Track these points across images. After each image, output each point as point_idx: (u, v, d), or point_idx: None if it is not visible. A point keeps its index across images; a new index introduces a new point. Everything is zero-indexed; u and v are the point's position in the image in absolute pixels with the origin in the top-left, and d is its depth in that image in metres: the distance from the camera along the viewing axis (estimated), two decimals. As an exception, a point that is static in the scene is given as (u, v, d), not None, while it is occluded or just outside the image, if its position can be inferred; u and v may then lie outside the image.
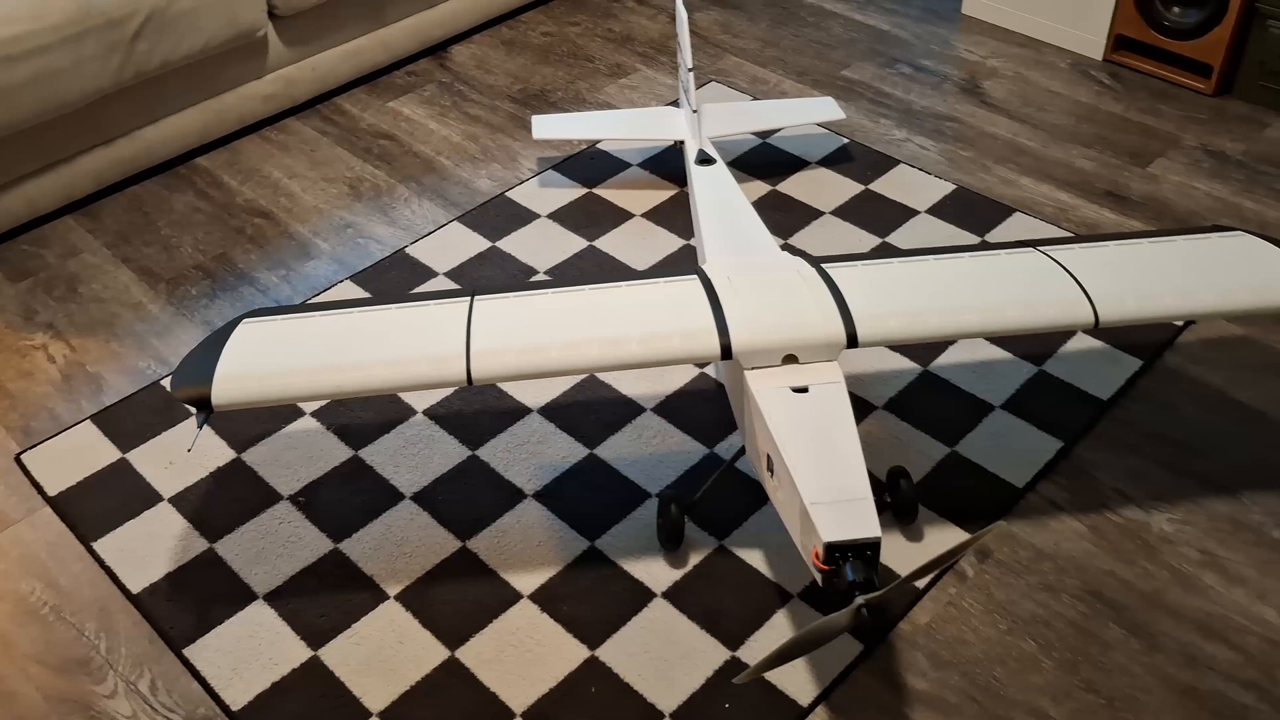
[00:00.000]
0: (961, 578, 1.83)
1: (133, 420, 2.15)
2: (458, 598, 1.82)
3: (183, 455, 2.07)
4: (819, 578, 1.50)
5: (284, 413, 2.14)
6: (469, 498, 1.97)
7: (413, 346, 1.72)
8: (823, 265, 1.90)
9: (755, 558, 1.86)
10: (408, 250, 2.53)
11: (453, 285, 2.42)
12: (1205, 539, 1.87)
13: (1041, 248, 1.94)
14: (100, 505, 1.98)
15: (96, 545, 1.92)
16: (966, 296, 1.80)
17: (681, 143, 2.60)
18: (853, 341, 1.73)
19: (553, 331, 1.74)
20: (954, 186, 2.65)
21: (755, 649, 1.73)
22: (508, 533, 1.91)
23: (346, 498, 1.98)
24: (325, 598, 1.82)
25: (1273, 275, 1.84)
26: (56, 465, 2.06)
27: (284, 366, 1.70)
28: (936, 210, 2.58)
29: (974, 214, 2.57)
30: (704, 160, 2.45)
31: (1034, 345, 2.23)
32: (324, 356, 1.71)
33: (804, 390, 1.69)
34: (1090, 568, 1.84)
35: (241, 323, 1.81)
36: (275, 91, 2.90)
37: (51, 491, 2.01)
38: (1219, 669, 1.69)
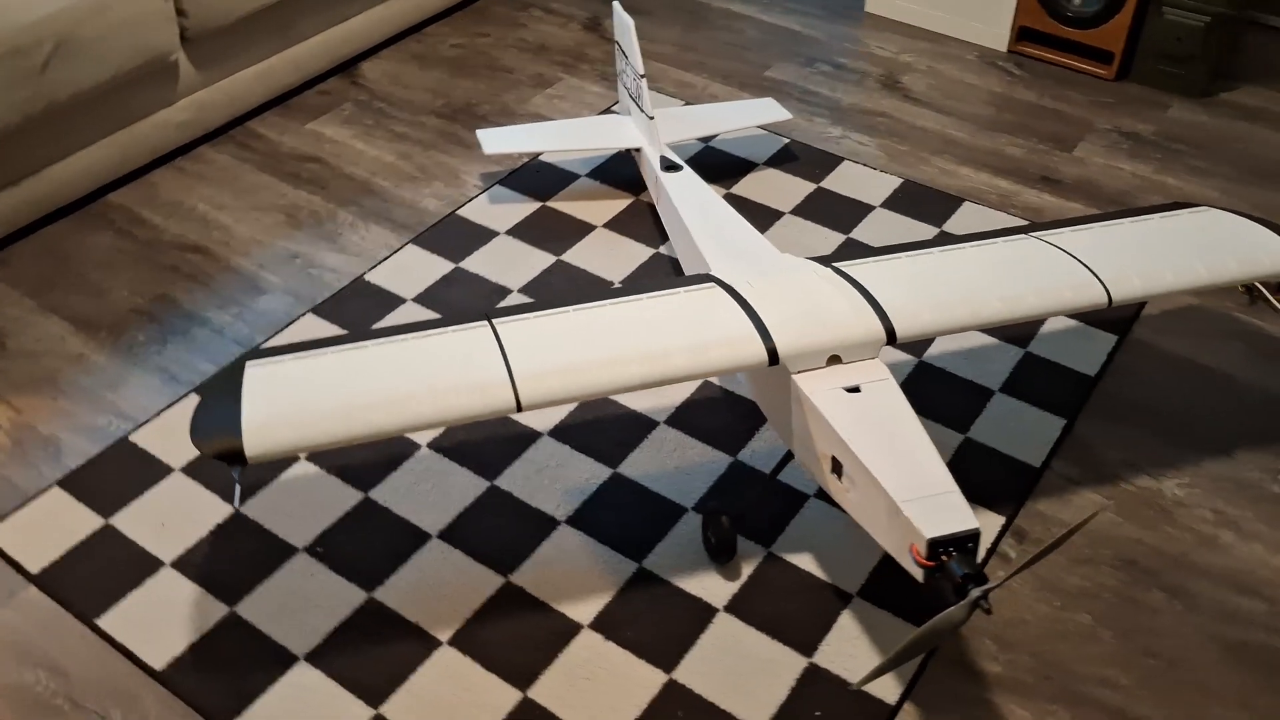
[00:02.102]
0: (1005, 559, 1.87)
1: (106, 482, 1.96)
2: (513, 635, 1.74)
3: (175, 515, 1.90)
4: (919, 574, 1.50)
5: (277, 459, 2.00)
6: (499, 530, 1.89)
7: (449, 376, 1.63)
8: (835, 265, 1.91)
9: (806, 561, 1.85)
10: (367, 278, 2.41)
11: (425, 311, 2.32)
12: (1213, 500, 1.97)
13: (1035, 234, 2.00)
14: (94, 578, 1.80)
15: (101, 622, 1.74)
16: (986, 286, 1.84)
17: (637, 150, 2.57)
18: (891, 337, 1.75)
19: (591, 350, 1.69)
20: (900, 180, 2.71)
21: (829, 653, 1.72)
22: (550, 562, 1.84)
23: (368, 543, 1.87)
24: (372, 651, 1.71)
25: (1253, 245, 1.95)
26: (32, 539, 1.86)
27: (316, 409, 1.58)
28: (890, 204, 2.64)
29: (926, 205, 2.63)
30: (671, 167, 2.43)
31: (1016, 328, 2.30)
32: (355, 395, 1.61)
33: (856, 390, 1.69)
34: (1119, 537, 1.91)
35: (246, 366, 1.68)
36: (188, 118, 2.71)
37: (33, 569, 1.82)
38: (1257, 621, 1.78)
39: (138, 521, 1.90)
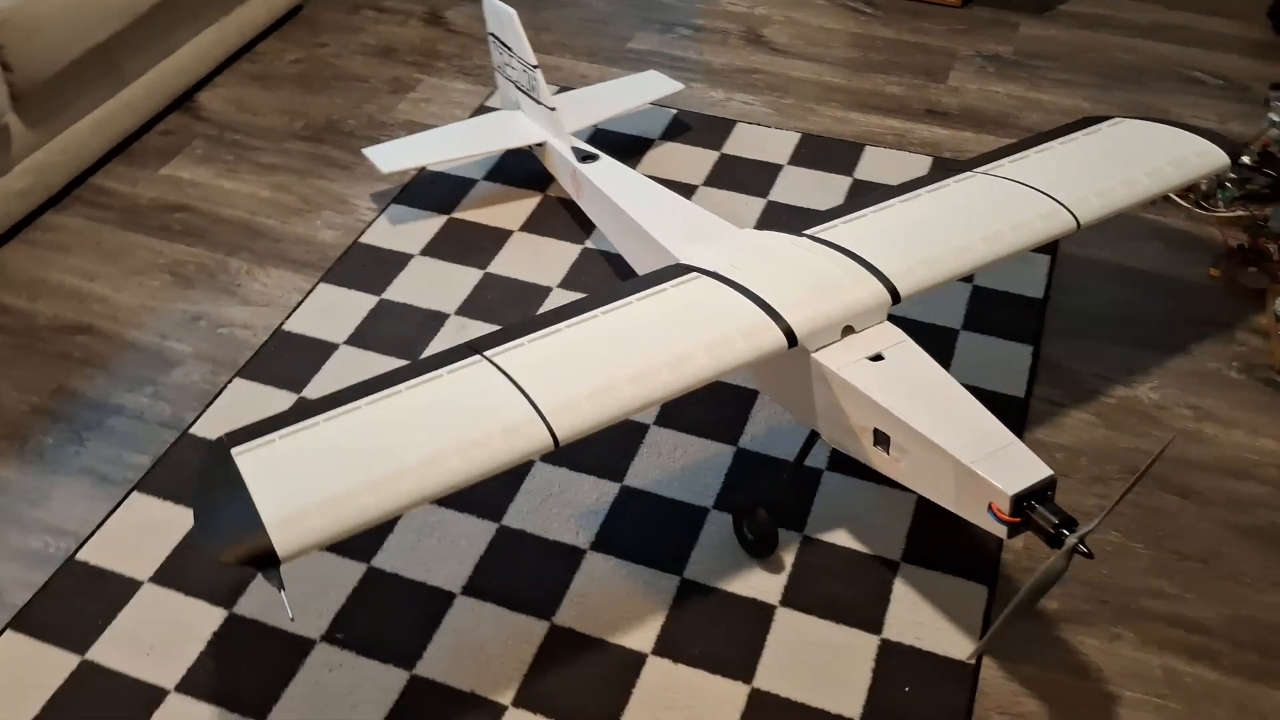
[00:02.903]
0: (1024, 495, 1.89)
1: (66, 614, 1.73)
2: (578, 681, 1.63)
3: (161, 634, 1.70)
4: (1003, 531, 1.48)
5: (254, 546, 1.81)
6: (524, 572, 1.78)
7: (471, 425, 1.50)
8: (806, 234, 1.87)
9: (843, 537, 1.82)
10: (286, 327, 2.21)
11: (362, 354, 2.14)
12: (1186, 396, 2.06)
13: (978, 170, 2.02)
14: (93, 725, 1.59)
15: (120, 774, 1.54)
16: (963, 231, 1.84)
17: (539, 145, 2.45)
18: (896, 298, 1.72)
19: (611, 367, 1.59)
20: (798, 134, 2.70)
21: (896, 626, 1.70)
22: (588, 594, 1.74)
23: (389, 617, 1.72)
24: (436, 733, 1.58)
25: (1180, 149, 2.02)
26: (1, 700, 1.62)
27: (340, 489, 1.42)
28: (796, 160, 2.62)
29: (830, 155, 2.63)
30: (587, 158, 2.33)
31: (955, 264, 2.32)
32: (377, 465, 1.46)
33: (879, 358, 1.66)
34: (1116, 449, 1.96)
35: (233, 453, 1.50)
36: (29, 185, 2.40)
37: (17, 731, 1.59)
38: (1263, 503, 1.87)
39: (120, 650, 1.68)
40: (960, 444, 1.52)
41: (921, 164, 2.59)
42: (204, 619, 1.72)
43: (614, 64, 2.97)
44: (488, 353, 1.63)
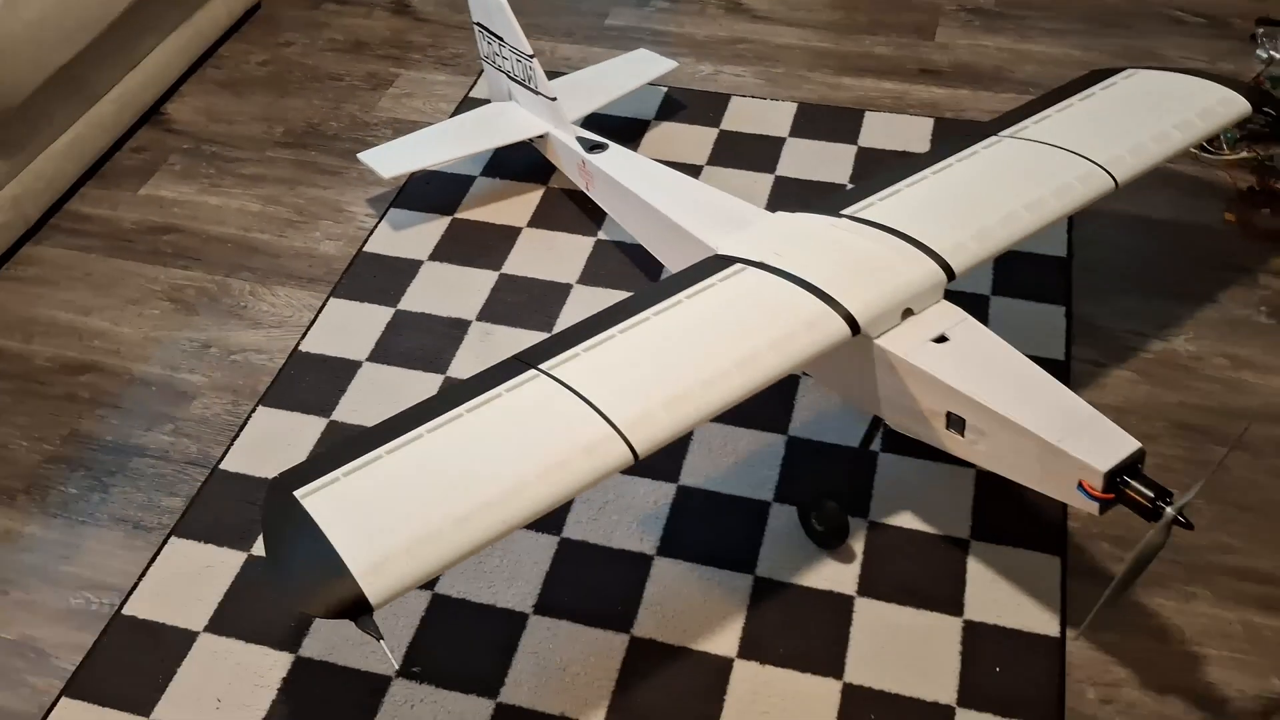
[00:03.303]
0: (1079, 459, 1.89)
1: (122, 672, 1.65)
2: (669, 693, 1.60)
3: (226, 686, 1.63)
4: (1094, 508, 1.47)
5: (309, 583, 1.74)
6: (594, 584, 1.73)
7: (548, 447, 1.45)
8: (844, 214, 1.83)
9: (909, 519, 1.80)
10: (302, 348, 2.12)
11: (388, 369, 2.07)
12: (1220, 344, 2.06)
13: (1004, 134, 1.99)
14: (174, 790, 1.53)
15: (212, 839, 1.48)
16: (1006, 199, 1.81)
17: (540, 137, 2.37)
18: (950, 274, 1.70)
19: (680, 373, 1.54)
20: (795, 104, 2.65)
21: (977, 605, 1.68)
22: (664, 602, 1.71)
23: (464, 644, 1.67)
24: (532, 762, 1.54)
25: (1202, 98, 2.01)
26: (73, 771, 1.55)
27: (424, 527, 1.37)
28: (798, 131, 2.57)
29: (831, 124, 2.59)
30: (595, 147, 2.26)
31: (974, 228, 2.31)
32: (458, 498, 1.40)
33: (943, 339, 1.64)
34: (1161, 405, 1.97)
35: (298, 497, 1.43)
36: (8, 219, 2.28)
37: (96, 805, 1.52)
38: (1311, 448, 1.89)
39: (186, 708, 1.61)
40: (1043, 422, 1.50)
41: (923, 126, 2.56)
42: (270, 665, 1.66)
43: (594, 43, 2.89)
44: (543, 366, 1.57)
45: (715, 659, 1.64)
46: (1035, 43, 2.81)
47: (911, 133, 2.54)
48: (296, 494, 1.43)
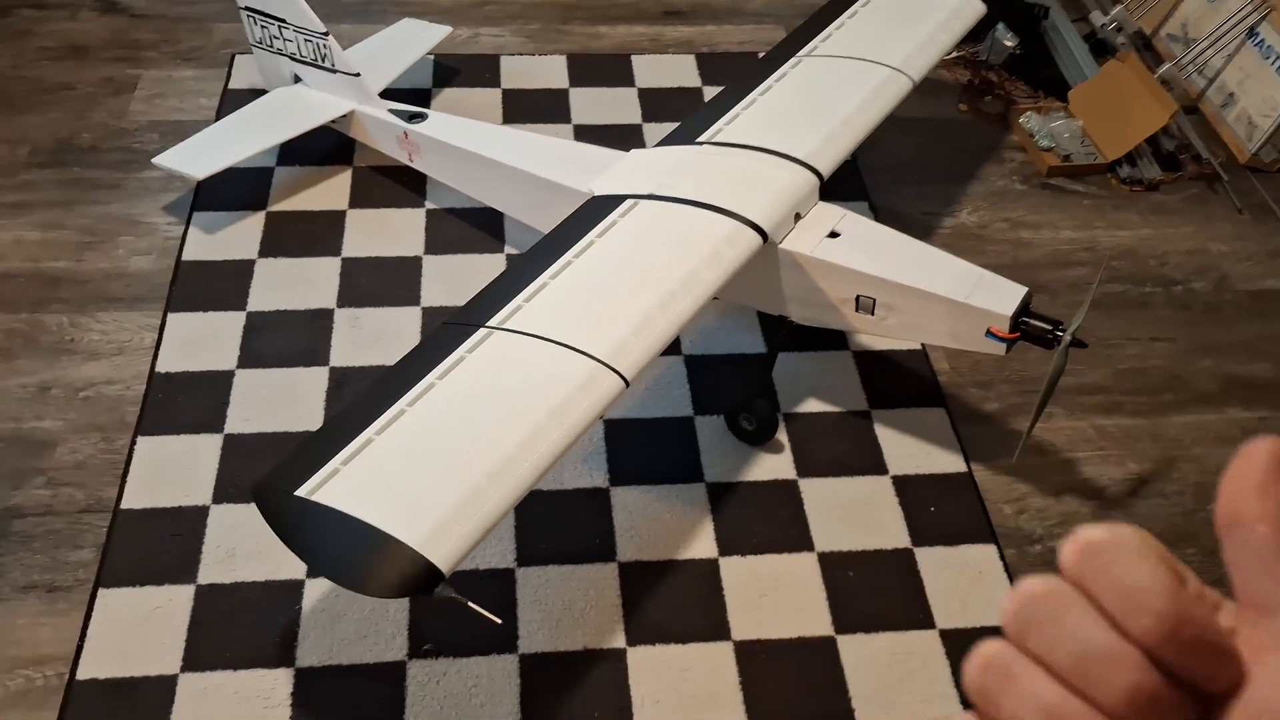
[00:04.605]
0: (926, 326, 2.17)
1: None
2: (677, 602, 1.70)
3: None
4: (1002, 349, 1.72)
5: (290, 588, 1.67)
6: (569, 527, 1.79)
7: (545, 390, 1.50)
8: (699, 141, 1.98)
9: (815, 405, 2.00)
10: (160, 370, 1.97)
11: (263, 373, 1.97)
12: (996, 212, 2.42)
13: (800, 55, 2.21)
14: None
15: None
16: (833, 107, 2.03)
17: (347, 116, 2.31)
18: (820, 176, 1.89)
19: (628, 303, 1.63)
20: (564, 57, 2.74)
21: (896, 463, 1.91)
22: (636, 526, 1.80)
23: (464, 614, 1.67)
24: (575, 695, 1.59)
25: (949, 4, 2.33)
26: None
27: (462, 490, 1.38)
28: (577, 81, 2.67)
29: (606, 71, 2.71)
30: (415, 117, 2.25)
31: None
32: (481, 456, 1.41)
33: (836, 234, 1.83)
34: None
35: (304, 495, 1.38)
36: None
37: None
38: (1089, 279, 2.28)
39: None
40: (947, 286, 1.73)
41: (688, 62, 2.74)
42: (272, 685, 1.58)
43: (335, 20, 2.81)
44: (491, 323, 1.60)
45: (701, 563, 1.76)
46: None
47: (681, 70, 2.72)
48: (299, 494, 1.38)
